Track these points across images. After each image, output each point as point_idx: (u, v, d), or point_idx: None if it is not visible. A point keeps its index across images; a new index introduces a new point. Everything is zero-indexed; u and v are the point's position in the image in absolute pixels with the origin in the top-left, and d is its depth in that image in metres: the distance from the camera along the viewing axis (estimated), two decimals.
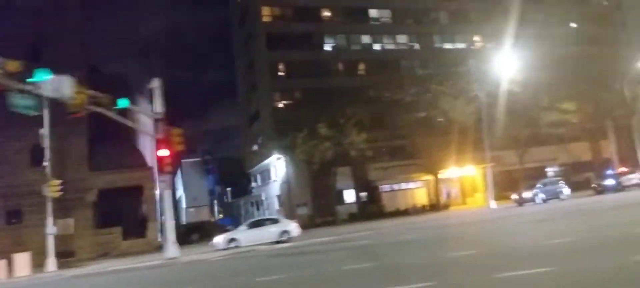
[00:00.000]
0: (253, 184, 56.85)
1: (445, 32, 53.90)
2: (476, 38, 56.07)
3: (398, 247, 15.85)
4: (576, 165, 53.37)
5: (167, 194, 20.38)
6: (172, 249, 19.77)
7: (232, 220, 70.96)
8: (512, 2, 58.56)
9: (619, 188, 36.88)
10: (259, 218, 27.84)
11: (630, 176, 38.63)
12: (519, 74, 41.13)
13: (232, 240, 23.48)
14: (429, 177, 45.68)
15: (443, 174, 45.85)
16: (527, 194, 34.99)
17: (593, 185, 39.55)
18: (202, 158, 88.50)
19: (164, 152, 19.63)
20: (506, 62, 37.68)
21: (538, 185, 35.49)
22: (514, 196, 36.28)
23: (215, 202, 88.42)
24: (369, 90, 41.89)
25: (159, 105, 20.50)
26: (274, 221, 24.96)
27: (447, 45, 54.00)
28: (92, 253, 32.35)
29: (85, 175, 33.76)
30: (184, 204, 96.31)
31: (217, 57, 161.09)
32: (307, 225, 41.69)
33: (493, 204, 36.75)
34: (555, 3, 60.26)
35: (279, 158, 44.37)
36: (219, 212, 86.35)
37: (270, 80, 46.35)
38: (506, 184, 44.92)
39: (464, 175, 48.99)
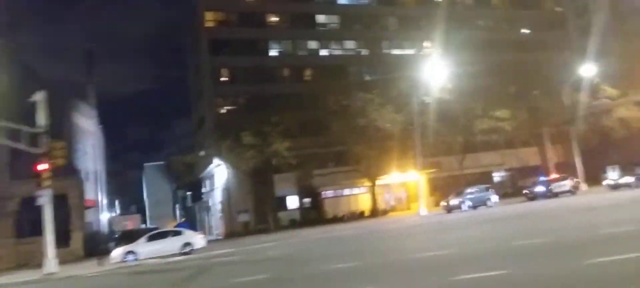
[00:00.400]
0: (203, 190, 56.54)
1: (394, 38, 54.17)
2: (426, 44, 56.53)
3: (269, 262, 15.86)
4: (524, 169, 54.03)
5: (48, 209, 20.00)
6: (50, 265, 19.48)
7: (189, 225, 70.61)
8: (464, 9, 59.52)
9: (549, 194, 37.44)
10: (160, 230, 27.55)
11: (562, 183, 39.20)
12: (457, 81, 41.63)
13: (130, 253, 23.19)
14: (370, 183, 45.90)
15: (384, 180, 46.16)
16: (454, 202, 35.32)
17: (524, 191, 40.02)
18: (165, 162, 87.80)
19: (43, 166, 19.30)
20: (441, 70, 38.00)
21: (465, 193, 35.83)
22: (443, 203, 36.64)
23: (177, 206, 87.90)
24: (314, 96, 41.97)
25: (42, 119, 20.16)
26: (177, 233, 24.75)
27: (396, 51, 54.34)
28: (13, 263, 31.74)
29: (6, 184, 33.13)
30: (147, 208, 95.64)
31: (175, 61, 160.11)
32: (243, 232, 41.66)
33: (423, 211, 37.04)
34: (508, 9, 61.12)
35: (218, 165, 44.17)
36: (182, 217, 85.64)
37: (213, 85, 46.11)
38: (449, 190, 45.39)
39: (408, 181, 49.33)
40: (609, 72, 48.08)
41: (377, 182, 46.73)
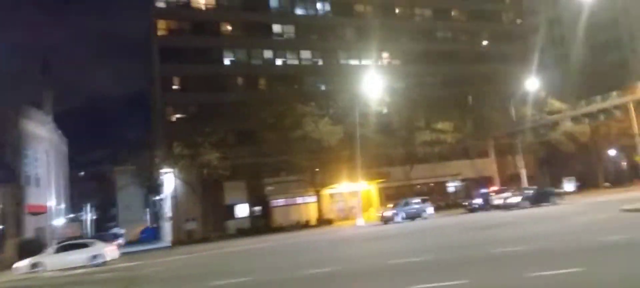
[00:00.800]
0: (158, 197, 56.62)
1: (351, 49, 54.65)
2: (384, 55, 57.12)
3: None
4: (481, 179, 54.58)
5: None
6: None
7: (154, 231, 70.66)
8: (422, 20, 60.21)
9: (488, 207, 37.97)
10: (69, 241, 27.61)
11: (502, 195, 39.80)
12: (403, 93, 42.28)
13: (36, 264, 23.30)
14: (322, 192, 46.23)
15: (335, 189, 46.60)
16: (387, 213, 35.73)
17: (464, 203, 40.52)
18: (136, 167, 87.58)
19: None
20: (381, 82, 38.53)
21: (400, 205, 36.28)
22: (379, 214, 37.06)
23: (148, 210, 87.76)
24: (260, 106, 42.04)
25: None
26: (85, 245, 24.82)
27: (353, 62, 54.84)
28: None
29: None
30: (120, 213, 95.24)
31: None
32: (187, 241, 41.78)
33: (361, 222, 37.50)
34: (467, 21, 61.86)
35: (166, 173, 44.36)
36: (152, 222, 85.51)
37: (163, 94, 46.31)
38: (398, 199, 45.88)
39: (361, 190, 49.68)
40: (557, 85, 48.99)
41: (328, 191, 47.18)
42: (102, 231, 71.43)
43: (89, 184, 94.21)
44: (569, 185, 59.36)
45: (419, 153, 43.58)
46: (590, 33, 59.76)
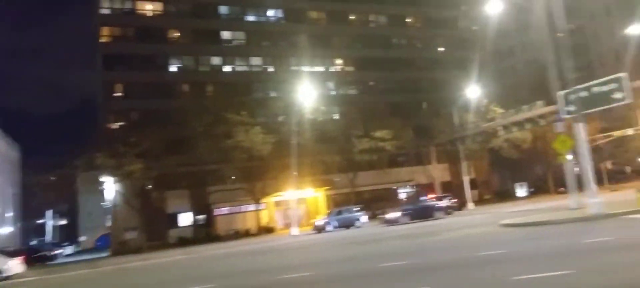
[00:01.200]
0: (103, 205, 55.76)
1: (304, 56, 54.55)
2: (338, 61, 57.19)
3: None
4: (432, 186, 54.83)
5: None
6: None
7: (108, 239, 69.52)
8: (377, 27, 60.45)
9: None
10: None
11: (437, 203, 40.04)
12: (345, 100, 42.27)
13: None
14: (268, 200, 46.01)
15: (280, 197, 46.34)
16: (319, 223, 35.62)
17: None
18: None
19: None
20: (315, 90, 38.43)
21: (332, 214, 36.21)
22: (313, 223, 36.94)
23: (109, 217, 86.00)
24: (197, 113, 41.57)
25: None
26: None
27: (306, 69, 54.78)
28: None
29: None
30: (82, 221, 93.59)
31: None
32: (122, 251, 41.14)
33: (295, 231, 37.24)
34: (421, 28, 62.25)
35: (104, 182, 43.72)
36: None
37: (106, 101, 45.66)
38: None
39: (308, 197, 49.60)
40: (501, 93, 49.45)
41: (275, 199, 46.95)
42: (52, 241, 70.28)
43: (50, 191, 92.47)
44: (521, 191, 60.28)
45: (361, 160, 43.43)
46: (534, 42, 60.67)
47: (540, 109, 34.06)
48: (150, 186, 38.03)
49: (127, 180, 37.04)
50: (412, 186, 55.27)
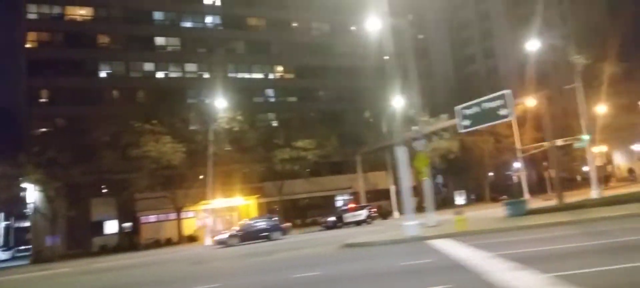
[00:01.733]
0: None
1: (242, 62, 54.52)
2: (278, 68, 57.27)
3: None
4: (374, 193, 54.99)
5: None
6: None
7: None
8: (320, 35, 60.67)
9: (340, 224, 38.31)
10: None
11: (357, 213, 40.25)
12: (267, 109, 42.34)
13: None
14: (194, 208, 45.76)
15: (209, 205, 46.13)
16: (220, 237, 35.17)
17: (321, 221, 40.69)
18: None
19: None
20: (226, 98, 38.39)
21: (240, 224, 35.98)
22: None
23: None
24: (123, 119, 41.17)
25: None
26: None
27: (244, 75, 54.76)
28: None
29: None
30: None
31: None
32: (41, 259, 40.66)
33: (208, 241, 37.09)
34: (365, 37, 62.44)
35: (25, 188, 43.20)
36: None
37: (29, 107, 45.12)
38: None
39: (238, 205, 49.49)
40: (432, 102, 49.80)
41: (205, 207, 46.71)
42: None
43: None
44: (459, 199, 60.79)
45: (283, 170, 43.35)
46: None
47: (443, 122, 34.44)
48: (60, 194, 37.55)
49: (39, 186, 36.59)
50: (349, 194, 55.51)
